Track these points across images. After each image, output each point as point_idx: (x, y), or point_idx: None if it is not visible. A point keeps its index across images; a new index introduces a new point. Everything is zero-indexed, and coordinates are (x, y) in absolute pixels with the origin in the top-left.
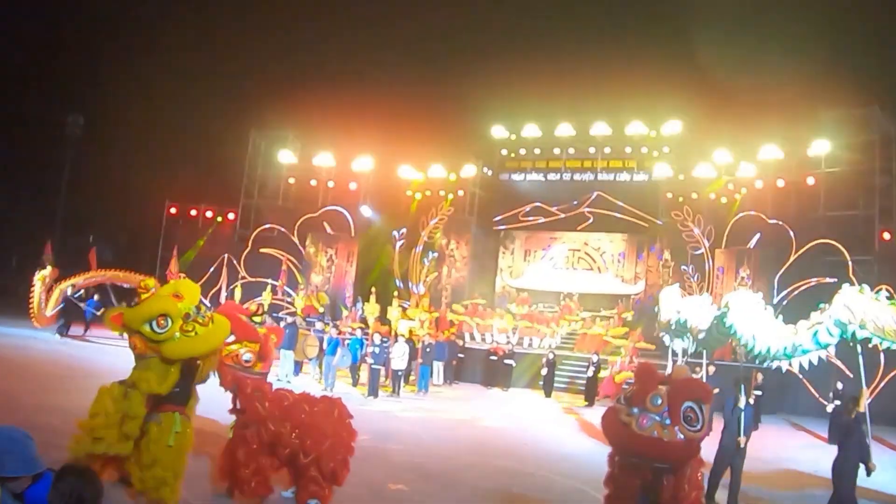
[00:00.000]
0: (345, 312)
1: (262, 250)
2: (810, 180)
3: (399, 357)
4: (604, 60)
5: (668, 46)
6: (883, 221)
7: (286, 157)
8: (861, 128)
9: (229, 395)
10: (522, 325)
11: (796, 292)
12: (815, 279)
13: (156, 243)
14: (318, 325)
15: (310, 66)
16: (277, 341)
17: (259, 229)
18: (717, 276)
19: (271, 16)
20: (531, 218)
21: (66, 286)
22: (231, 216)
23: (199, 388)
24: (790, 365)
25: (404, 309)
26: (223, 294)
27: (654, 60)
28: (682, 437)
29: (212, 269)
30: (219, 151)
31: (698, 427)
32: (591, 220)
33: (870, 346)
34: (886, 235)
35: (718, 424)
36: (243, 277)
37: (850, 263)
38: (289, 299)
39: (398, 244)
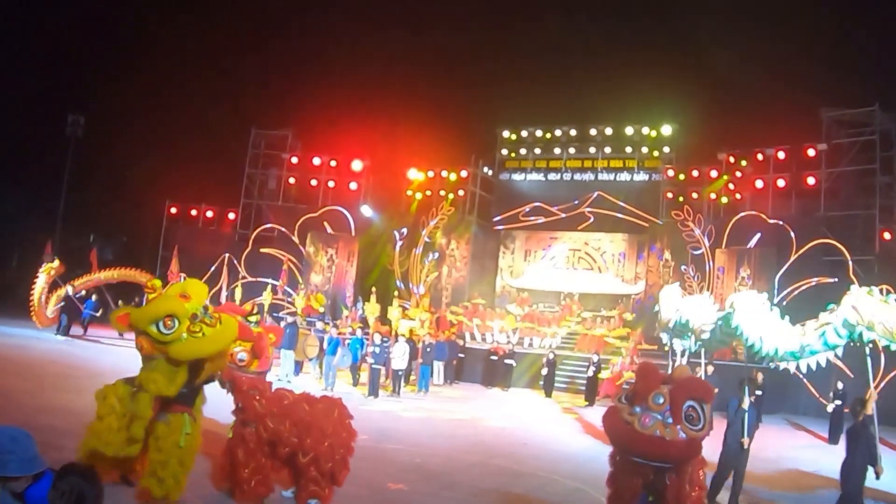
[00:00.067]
0: (345, 312)
1: (262, 250)
2: (810, 180)
3: (399, 357)
4: (605, 60)
5: (668, 46)
6: (883, 221)
7: (286, 156)
8: (861, 128)
9: (229, 396)
10: (524, 327)
11: (797, 292)
12: (816, 279)
13: (156, 243)
14: (319, 325)
15: (310, 66)
16: (276, 340)
17: (259, 229)
18: (717, 276)
19: (271, 16)
20: (531, 218)
21: (69, 287)
22: (231, 216)
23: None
24: (797, 366)
25: (405, 309)
26: (223, 294)
27: (654, 60)
28: (683, 436)
29: (212, 269)
30: (219, 151)
31: (700, 426)
32: (591, 220)
33: (871, 346)
34: (887, 235)
35: (718, 424)
36: (244, 277)
37: (850, 263)
38: (289, 299)
39: (398, 244)
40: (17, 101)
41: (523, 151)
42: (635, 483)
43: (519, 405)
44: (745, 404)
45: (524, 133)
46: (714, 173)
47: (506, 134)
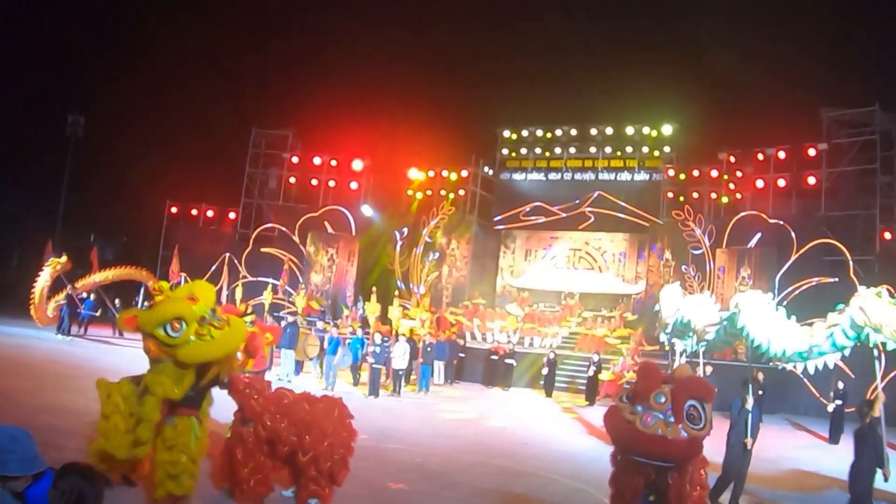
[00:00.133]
0: (345, 312)
1: (262, 250)
2: (811, 180)
3: (400, 356)
4: (605, 60)
5: (668, 46)
6: (883, 221)
7: (287, 156)
8: (861, 128)
9: (228, 396)
10: (526, 327)
11: (797, 292)
12: (816, 279)
13: (156, 243)
14: (320, 325)
15: (310, 66)
16: (274, 340)
17: (260, 229)
18: (717, 275)
19: (271, 16)
20: (532, 218)
21: (69, 287)
22: (232, 216)
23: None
24: (805, 367)
25: (405, 308)
26: (224, 294)
27: (655, 60)
28: (685, 435)
29: (213, 269)
30: (219, 151)
31: (701, 425)
32: (591, 220)
33: (877, 348)
34: (887, 235)
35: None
36: (244, 277)
37: (850, 263)
38: (290, 299)
39: (399, 244)
40: (17, 101)
41: (524, 151)
42: (637, 482)
43: (519, 405)
44: (749, 405)
45: (524, 133)
46: (714, 173)
47: (506, 134)
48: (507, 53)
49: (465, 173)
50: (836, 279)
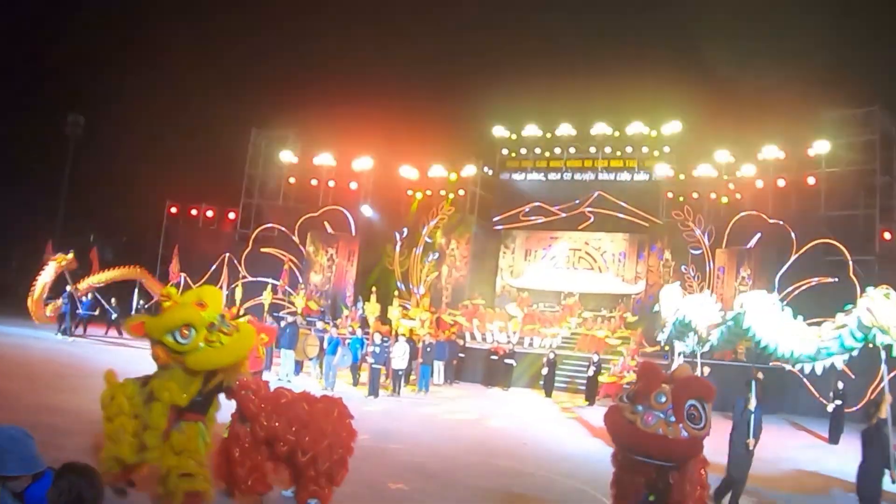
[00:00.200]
0: (345, 312)
1: (262, 250)
2: (811, 180)
3: (399, 357)
4: (605, 60)
5: (669, 46)
6: (883, 221)
7: (286, 156)
8: (861, 128)
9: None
10: (526, 328)
11: (797, 292)
12: (816, 279)
13: (156, 243)
14: (319, 325)
15: (310, 65)
16: (269, 340)
17: (259, 229)
18: (717, 275)
19: (271, 15)
20: (532, 218)
21: (68, 287)
22: (231, 216)
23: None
24: (813, 368)
25: (405, 309)
26: (224, 294)
27: (654, 60)
28: (686, 434)
29: (212, 269)
30: (219, 151)
31: (702, 425)
32: (591, 220)
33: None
34: (887, 235)
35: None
36: (244, 277)
37: (850, 263)
38: (288, 299)
39: (398, 244)
40: (17, 101)
41: (523, 151)
42: (637, 482)
43: (519, 405)
44: (752, 405)
45: (524, 133)
46: (714, 173)
47: (506, 134)
48: (507, 53)
49: (464, 173)
50: (836, 279)
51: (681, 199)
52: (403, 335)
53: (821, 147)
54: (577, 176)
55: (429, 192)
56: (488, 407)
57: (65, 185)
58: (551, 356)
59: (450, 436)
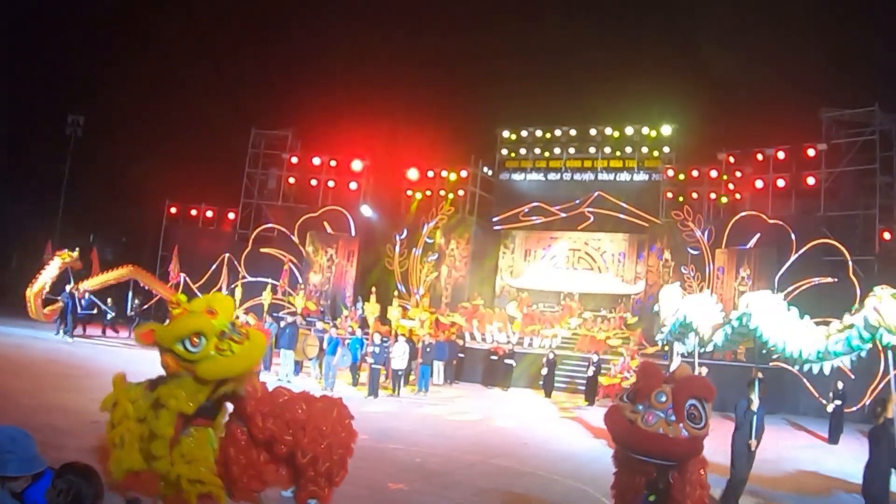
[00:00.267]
0: (345, 312)
1: (262, 250)
2: (810, 180)
3: (399, 357)
4: (605, 60)
5: (668, 46)
6: (883, 221)
7: (286, 156)
8: (861, 128)
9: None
10: (527, 329)
11: (797, 292)
12: (816, 279)
13: (156, 243)
14: (319, 325)
15: (310, 65)
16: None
17: (259, 229)
18: (717, 276)
19: (272, 16)
20: (531, 218)
21: (68, 287)
22: (231, 216)
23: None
24: (821, 367)
25: (405, 309)
26: (224, 294)
27: (654, 60)
28: (686, 434)
29: (212, 269)
30: (219, 151)
31: (702, 424)
32: (591, 220)
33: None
34: (887, 235)
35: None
36: (243, 277)
37: (850, 263)
38: (287, 299)
39: (398, 244)
40: (17, 101)
41: (523, 151)
42: (637, 481)
43: (519, 405)
44: (755, 405)
45: (524, 133)
46: (714, 173)
47: (506, 134)
48: (506, 54)
49: (464, 173)
50: (836, 279)
51: (680, 199)
52: (403, 335)
53: (820, 147)
54: (577, 176)
55: (428, 193)
56: (488, 407)
57: (65, 185)
58: (551, 356)
59: (450, 436)
